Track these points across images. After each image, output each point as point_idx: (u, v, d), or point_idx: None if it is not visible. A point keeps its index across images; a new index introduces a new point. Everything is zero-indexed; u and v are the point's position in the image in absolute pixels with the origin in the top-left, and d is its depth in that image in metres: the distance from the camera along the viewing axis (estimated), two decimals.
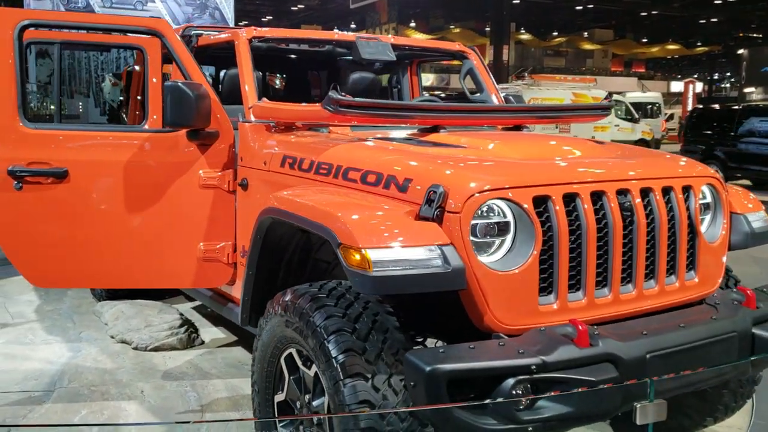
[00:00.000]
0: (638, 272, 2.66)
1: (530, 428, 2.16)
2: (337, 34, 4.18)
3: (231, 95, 3.87)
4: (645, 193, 2.68)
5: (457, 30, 41.72)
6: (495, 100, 4.37)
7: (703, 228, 2.94)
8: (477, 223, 2.38)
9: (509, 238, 2.44)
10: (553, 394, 2.19)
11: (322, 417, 2.52)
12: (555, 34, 45.46)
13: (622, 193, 2.61)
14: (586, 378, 2.20)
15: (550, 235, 2.46)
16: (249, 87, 3.61)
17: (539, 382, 2.22)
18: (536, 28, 43.37)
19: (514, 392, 2.16)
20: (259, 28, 3.92)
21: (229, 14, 11.12)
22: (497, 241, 2.44)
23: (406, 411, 2.25)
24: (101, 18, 3.47)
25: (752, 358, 2.55)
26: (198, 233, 3.61)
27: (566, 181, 2.52)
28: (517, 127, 3.40)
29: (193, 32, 4.19)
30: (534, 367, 2.18)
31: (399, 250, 2.26)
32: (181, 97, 3.24)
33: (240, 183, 3.51)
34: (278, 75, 5.91)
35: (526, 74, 29.67)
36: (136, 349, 4.55)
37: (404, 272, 2.24)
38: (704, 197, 2.96)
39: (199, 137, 3.45)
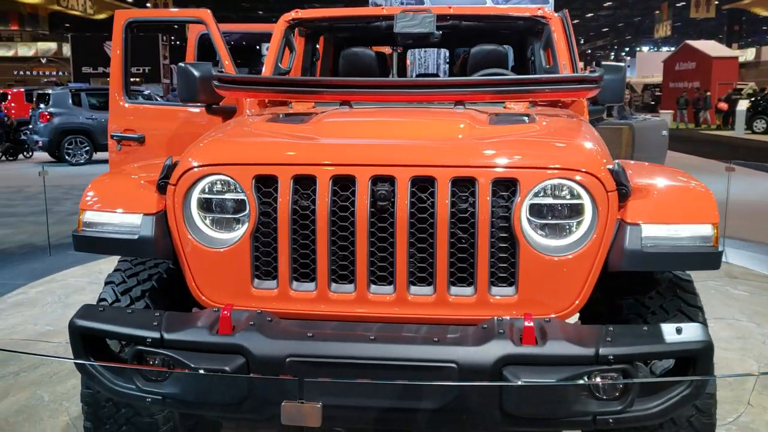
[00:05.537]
0: (398, 273, 2.30)
1: (149, 399, 2.19)
2: (385, 9, 4.07)
3: (346, 74, 4.12)
4: (431, 183, 2.28)
5: None
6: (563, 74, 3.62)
7: (572, 237, 2.29)
8: (204, 198, 2.42)
9: (247, 216, 2.39)
10: (151, 367, 2.19)
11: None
12: None
13: (386, 181, 2.27)
14: (184, 361, 2.14)
15: (275, 217, 2.34)
16: (267, 65, 3.87)
17: (168, 358, 2.18)
18: None
19: (140, 361, 2.23)
20: (300, 11, 4.08)
21: None
22: (240, 218, 2.40)
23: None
24: (169, 13, 4.37)
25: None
26: None
27: (299, 162, 2.35)
28: (461, 103, 2.91)
29: None
30: (149, 340, 2.14)
31: (105, 215, 2.48)
32: (188, 77, 3.72)
33: None
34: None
35: None
36: None
37: (99, 235, 2.44)
38: (575, 196, 2.27)
39: (214, 112, 3.90)
